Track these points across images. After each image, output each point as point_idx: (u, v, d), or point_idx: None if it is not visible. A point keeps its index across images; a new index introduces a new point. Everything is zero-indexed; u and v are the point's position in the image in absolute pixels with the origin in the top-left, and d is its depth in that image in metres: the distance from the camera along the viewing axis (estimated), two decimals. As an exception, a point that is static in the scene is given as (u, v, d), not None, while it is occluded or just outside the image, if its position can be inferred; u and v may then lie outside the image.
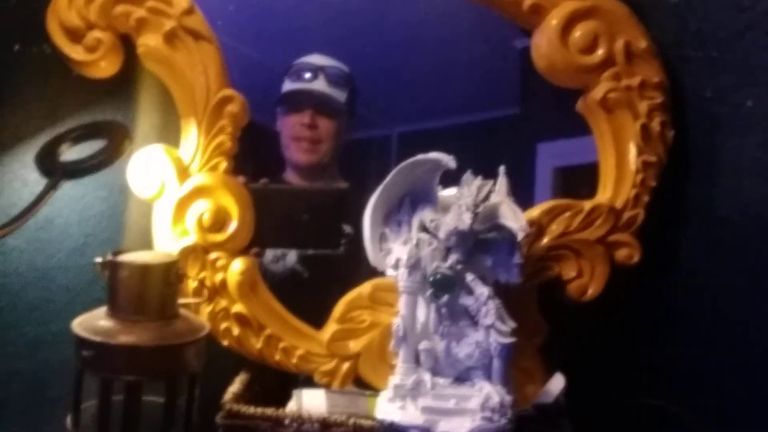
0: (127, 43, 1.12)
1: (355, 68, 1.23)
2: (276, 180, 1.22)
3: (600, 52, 1.08)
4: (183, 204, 1.10)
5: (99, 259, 0.93)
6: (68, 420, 0.92)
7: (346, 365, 1.10)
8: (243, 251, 1.12)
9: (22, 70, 1.17)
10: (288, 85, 1.22)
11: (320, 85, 1.21)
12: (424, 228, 0.98)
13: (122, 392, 0.91)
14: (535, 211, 1.10)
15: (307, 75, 1.21)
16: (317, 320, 1.14)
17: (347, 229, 1.16)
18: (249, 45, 1.22)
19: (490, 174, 0.98)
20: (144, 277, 0.92)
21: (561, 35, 1.08)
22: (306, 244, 1.19)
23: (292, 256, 1.20)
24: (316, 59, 1.21)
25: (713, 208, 1.09)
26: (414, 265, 0.97)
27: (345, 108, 1.23)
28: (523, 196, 1.07)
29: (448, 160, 0.95)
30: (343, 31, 1.24)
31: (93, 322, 0.91)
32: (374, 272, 1.05)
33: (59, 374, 1.16)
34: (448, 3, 1.22)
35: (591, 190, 1.13)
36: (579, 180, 1.18)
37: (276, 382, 1.12)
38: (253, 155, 1.18)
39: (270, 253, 1.20)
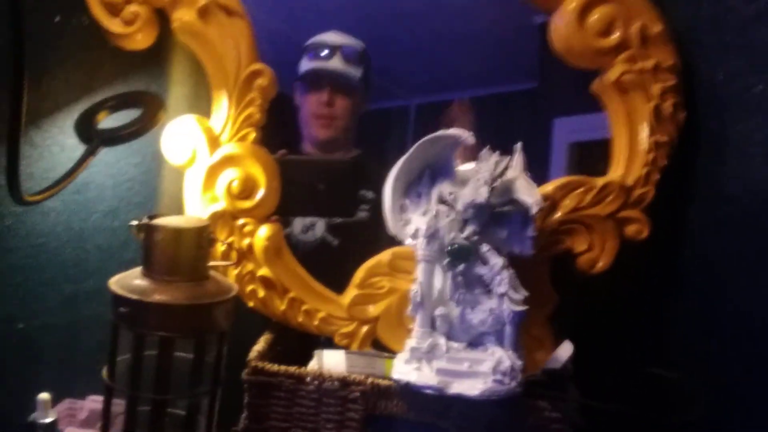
0: (162, 17, 1.15)
1: (373, 40, 1.25)
2: (294, 151, 1.26)
3: (616, 35, 1.10)
4: (213, 172, 1.14)
5: (135, 222, 0.95)
6: (104, 371, 0.95)
7: (365, 328, 1.14)
8: (269, 218, 1.16)
9: (62, 40, 1.20)
10: (306, 64, 1.25)
11: (337, 63, 1.24)
12: (442, 200, 1.02)
13: (155, 348, 0.93)
14: (549, 187, 1.12)
15: (324, 53, 1.24)
16: (346, 286, 1.17)
17: (369, 194, 1.20)
18: (275, 18, 1.23)
19: (506, 147, 1.01)
20: (177, 240, 0.94)
21: (579, 18, 1.10)
22: (322, 212, 1.23)
23: (320, 225, 1.24)
24: (333, 37, 1.24)
25: (721, 187, 1.10)
26: (432, 235, 1.00)
27: (361, 84, 1.26)
28: (538, 170, 1.09)
29: (467, 136, 0.98)
30: (362, 3, 1.26)
31: (129, 281, 0.94)
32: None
33: (92, 329, 1.23)
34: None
35: (605, 166, 1.15)
36: (594, 155, 1.19)
37: (298, 343, 1.15)
38: (277, 126, 1.21)
39: (299, 224, 1.24)
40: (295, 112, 1.28)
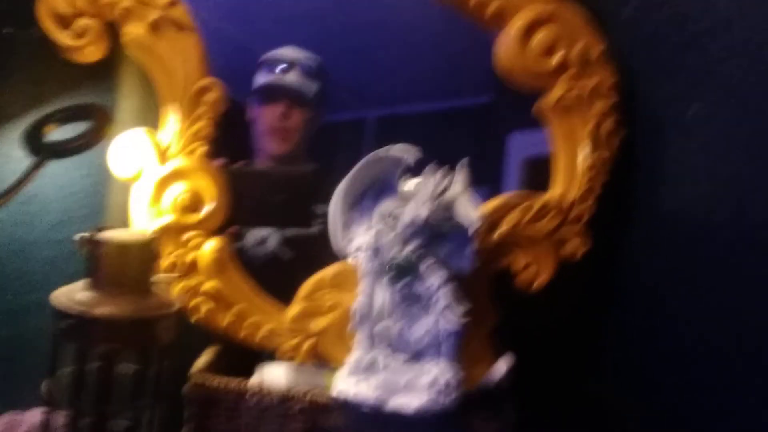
0: (113, 31, 1.14)
1: (328, 52, 1.25)
2: (251, 164, 1.26)
3: (557, 57, 1.12)
4: (161, 186, 1.13)
5: (79, 235, 0.95)
6: (43, 386, 0.95)
7: (308, 342, 1.13)
8: (217, 231, 1.16)
9: (11, 52, 1.20)
10: (262, 78, 1.25)
11: (294, 78, 1.24)
12: (385, 217, 1.03)
13: (97, 361, 0.93)
14: (489, 205, 1.14)
15: (280, 68, 1.24)
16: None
17: (322, 209, 1.18)
18: (231, 30, 1.24)
19: (458, 160, 1.02)
20: (121, 254, 0.94)
21: (521, 40, 1.12)
22: (280, 222, 1.23)
23: (273, 239, 1.23)
24: (290, 52, 1.25)
25: (658, 206, 1.12)
26: (375, 251, 1.02)
27: (317, 99, 1.26)
28: (492, 185, 1.12)
29: (408, 157, 0.99)
30: (316, 17, 1.26)
31: (72, 294, 0.94)
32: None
33: (36, 343, 1.18)
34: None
35: None
36: (548, 170, 1.19)
37: (243, 356, 1.15)
38: (234, 138, 1.22)
39: (252, 238, 1.23)
40: (249, 126, 1.28)
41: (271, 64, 1.25)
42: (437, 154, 1.03)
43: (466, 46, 1.25)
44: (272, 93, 1.26)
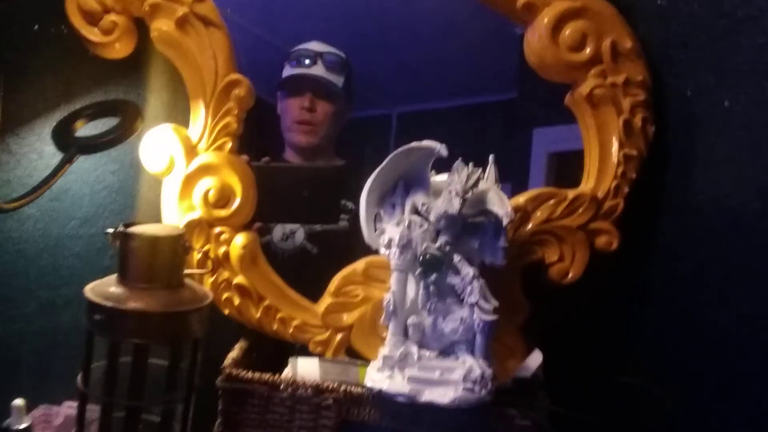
0: (141, 27, 1.15)
1: (355, 49, 1.26)
2: (276, 159, 1.26)
3: (588, 50, 1.11)
4: (190, 181, 1.14)
5: (111, 230, 0.96)
6: (78, 379, 0.95)
7: (339, 336, 1.14)
8: (245, 226, 1.16)
9: (41, 49, 1.21)
10: (288, 71, 1.26)
11: (319, 70, 1.25)
12: (416, 211, 1.02)
13: (130, 354, 0.94)
14: (521, 198, 1.13)
15: (307, 61, 1.25)
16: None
17: (349, 205, 1.20)
18: (258, 25, 1.25)
19: (485, 156, 1.02)
20: (152, 248, 0.95)
21: (552, 33, 1.11)
22: (306, 218, 1.23)
23: (300, 233, 1.24)
24: (315, 46, 1.26)
25: (689, 200, 1.11)
26: (405, 245, 1.01)
27: (342, 92, 1.27)
28: (518, 180, 1.11)
29: (441, 149, 0.98)
30: (344, 15, 1.27)
31: (104, 288, 0.95)
32: (377, 247, 1.09)
33: (69, 336, 1.23)
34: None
35: (582, 175, 1.16)
36: (573, 165, 1.19)
37: (273, 350, 1.16)
38: (257, 134, 1.22)
39: (279, 231, 1.24)
40: (278, 121, 1.29)
41: (297, 58, 1.26)
42: (462, 150, 1.02)
43: (491, 43, 1.25)
44: (297, 85, 1.27)
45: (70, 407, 1.17)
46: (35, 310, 1.26)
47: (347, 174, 1.25)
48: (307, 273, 1.23)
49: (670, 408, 1.10)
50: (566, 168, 1.23)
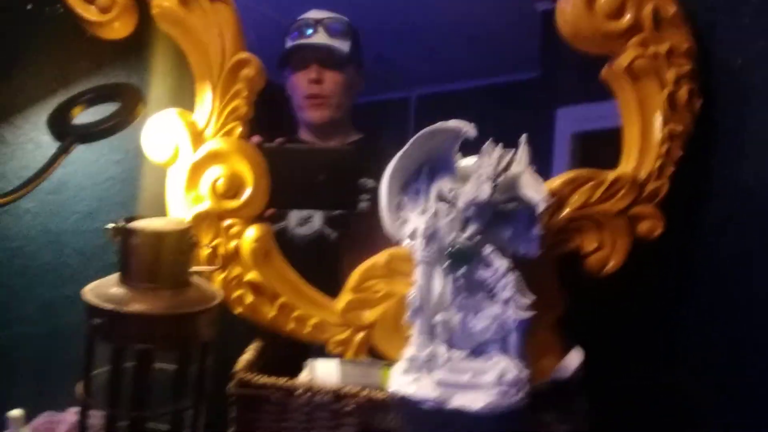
0: (141, 4, 1.12)
1: (372, 29, 1.23)
2: (291, 140, 1.23)
3: (627, 17, 1.06)
4: (197, 169, 1.10)
5: (111, 225, 0.92)
6: (78, 387, 0.92)
7: (360, 335, 1.11)
8: (258, 218, 1.12)
9: (35, 30, 1.18)
10: (289, 43, 1.23)
11: (321, 38, 1.22)
12: (442, 197, 0.97)
13: (132, 360, 0.91)
14: (556, 182, 1.09)
15: (308, 31, 1.22)
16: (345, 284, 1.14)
17: (369, 183, 1.16)
18: (265, 4, 1.23)
19: (508, 138, 0.96)
20: (156, 244, 0.91)
21: (587, 0, 1.06)
22: (323, 204, 1.19)
23: (318, 217, 1.21)
24: (314, 13, 1.22)
25: (740, 181, 1.08)
26: (431, 236, 0.95)
27: (349, 58, 1.23)
28: (541, 163, 1.05)
29: (468, 129, 0.93)
30: None
31: (104, 289, 0.91)
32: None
33: (72, 338, 1.16)
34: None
35: (610, 157, 1.11)
36: (598, 146, 1.18)
37: (289, 351, 1.12)
38: (268, 115, 1.18)
39: (295, 216, 1.21)
40: (289, 102, 1.25)
41: (299, 29, 1.23)
42: (486, 131, 0.97)
43: (514, 20, 1.23)
44: (301, 57, 1.23)
45: (74, 414, 1.13)
46: (36, 311, 1.23)
47: (366, 150, 1.21)
48: (327, 260, 1.20)
49: (719, 408, 1.07)
50: (591, 149, 1.21)
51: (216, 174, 1.10)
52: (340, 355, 1.10)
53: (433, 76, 1.27)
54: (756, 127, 1.05)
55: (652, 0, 1.06)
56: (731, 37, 1.08)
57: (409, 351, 0.95)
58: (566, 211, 1.08)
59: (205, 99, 1.11)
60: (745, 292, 1.06)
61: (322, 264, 1.19)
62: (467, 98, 1.27)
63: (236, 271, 1.10)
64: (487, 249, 0.94)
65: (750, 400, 1.02)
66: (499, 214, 0.95)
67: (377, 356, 1.11)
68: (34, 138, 1.19)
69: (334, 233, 1.21)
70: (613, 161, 1.11)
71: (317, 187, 1.15)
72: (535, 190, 0.92)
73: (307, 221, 1.21)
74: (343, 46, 1.22)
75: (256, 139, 1.13)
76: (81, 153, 1.15)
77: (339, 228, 1.21)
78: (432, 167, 0.99)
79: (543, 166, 1.10)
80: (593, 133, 1.22)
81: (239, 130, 1.11)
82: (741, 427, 1.04)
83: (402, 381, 0.94)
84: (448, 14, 1.23)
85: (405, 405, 0.95)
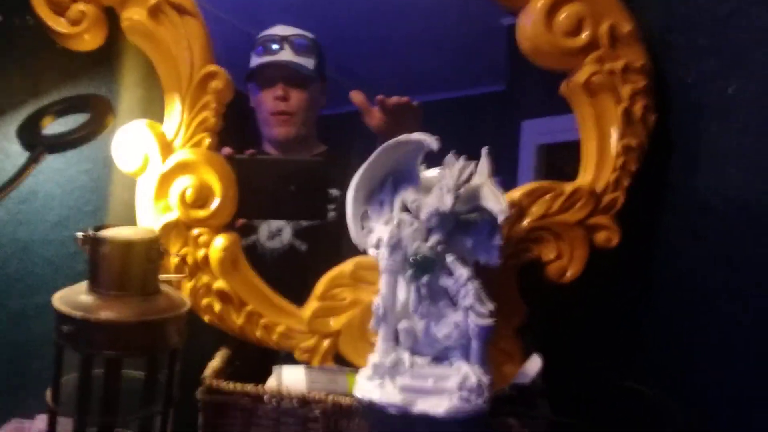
0: (111, 17, 1.11)
1: (338, 41, 1.23)
2: (260, 151, 1.23)
3: (584, 35, 1.07)
4: (166, 179, 1.10)
5: (80, 234, 0.92)
6: (48, 394, 0.92)
7: (326, 342, 1.11)
8: (226, 228, 1.12)
9: (5, 41, 1.17)
10: (255, 60, 1.22)
11: (287, 55, 1.21)
12: (405, 208, 0.98)
13: (101, 367, 0.91)
14: (516, 193, 1.10)
15: (274, 47, 1.21)
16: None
17: (335, 193, 1.17)
18: (234, 16, 1.22)
19: (474, 150, 0.98)
20: (125, 253, 0.91)
21: (546, 17, 1.07)
22: (293, 214, 1.19)
23: (287, 230, 1.21)
24: (281, 30, 1.22)
25: (694, 192, 1.08)
26: (395, 245, 0.96)
27: (315, 75, 1.23)
28: (507, 174, 1.08)
29: (431, 142, 0.94)
30: (325, 4, 1.25)
31: (74, 296, 0.91)
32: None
33: (41, 346, 1.17)
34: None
35: (574, 168, 1.12)
36: (563, 158, 1.18)
37: (257, 358, 1.12)
38: (239, 126, 1.19)
39: (265, 230, 1.21)
40: (252, 115, 1.25)
41: (264, 44, 1.22)
42: (452, 143, 0.98)
43: (478, 34, 1.24)
44: (267, 74, 1.23)
45: (43, 421, 1.11)
46: (4, 320, 1.22)
47: (331, 163, 1.20)
48: (298, 273, 1.20)
49: (679, 412, 1.06)
50: (556, 160, 1.22)
51: (185, 184, 1.09)
52: (307, 362, 1.10)
53: (400, 88, 1.25)
54: (708, 140, 1.06)
55: (609, 18, 1.07)
56: (684, 54, 1.09)
57: (374, 357, 0.96)
58: (526, 221, 1.09)
59: (174, 110, 1.11)
60: (700, 297, 1.07)
61: (294, 276, 1.19)
62: (434, 110, 1.25)
63: (204, 279, 1.10)
64: (450, 258, 0.95)
65: (704, 402, 1.04)
66: (461, 224, 0.96)
67: (343, 363, 1.11)
68: (4, 148, 1.18)
69: (304, 245, 1.21)
70: (576, 173, 1.12)
71: (287, 197, 1.16)
72: (495, 202, 0.93)
73: (277, 235, 1.21)
74: (308, 63, 1.22)
75: (226, 150, 1.13)
76: (51, 163, 1.15)
77: (308, 240, 1.21)
78: (396, 178, 1.00)
79: (509, 177, 1.14)
80: (557, 146, 1.22)
81: (208, 141, 1.11)
82: (697, 428, 1.04)
83: (367, 387, 0.95)
84: (414, 28, 1.24)
85: (370, 410, 0.95)
